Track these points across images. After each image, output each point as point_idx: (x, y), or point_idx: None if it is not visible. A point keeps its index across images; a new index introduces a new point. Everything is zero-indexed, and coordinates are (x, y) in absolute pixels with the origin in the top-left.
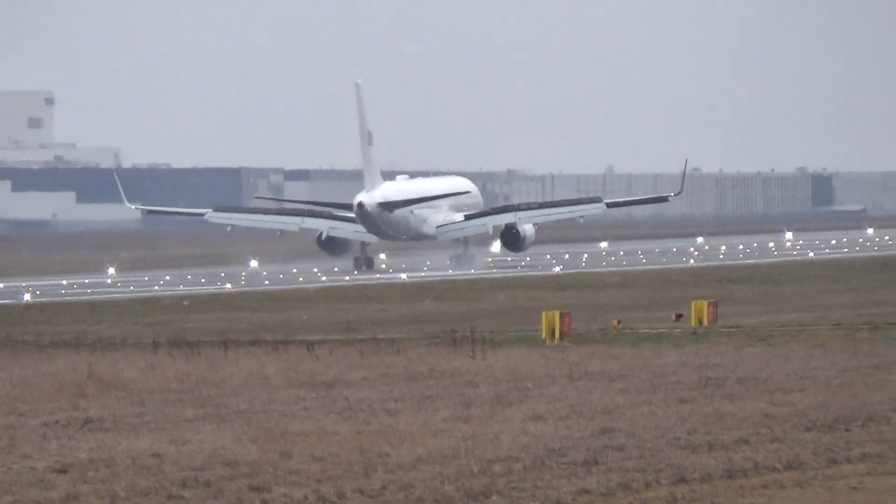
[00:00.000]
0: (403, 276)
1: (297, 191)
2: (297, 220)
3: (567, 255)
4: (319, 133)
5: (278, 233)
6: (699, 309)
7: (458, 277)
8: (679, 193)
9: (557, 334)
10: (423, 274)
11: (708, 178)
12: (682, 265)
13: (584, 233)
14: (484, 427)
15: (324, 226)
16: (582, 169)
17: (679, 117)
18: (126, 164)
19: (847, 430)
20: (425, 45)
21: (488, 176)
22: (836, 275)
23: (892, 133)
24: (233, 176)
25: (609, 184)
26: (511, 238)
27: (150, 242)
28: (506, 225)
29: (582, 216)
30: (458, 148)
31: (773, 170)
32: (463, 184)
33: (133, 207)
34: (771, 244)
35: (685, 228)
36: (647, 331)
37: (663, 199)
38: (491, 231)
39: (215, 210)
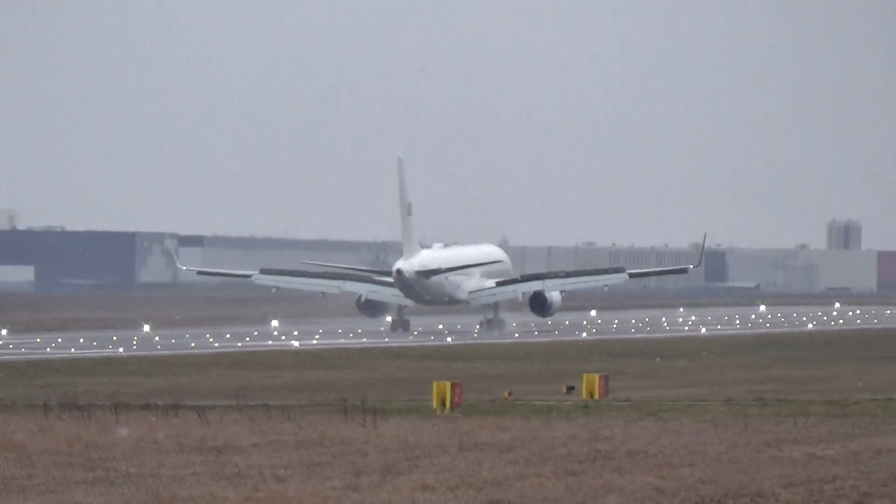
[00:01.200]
0: (295, 343)
1: (190, 256)
2: (339, 283)
3: (459, 326)
4: (214, 198)
5: (320, 294)
6: (590, 382)
7: (350, 346)
8: (698, 265)
9: (448, 405)
10: (314, 342)
11: (601, 252)
12: (573, 338)
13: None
14: (373, 496)
15: (363, 289)
16: (476, 241)
17: (573, 191)
18: (21, 227)
19: None
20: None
21: (382, 246)
22: (728, 351)
23: (786, 211)
24: (127, 240)
25: None
26: (539, 304)
27: (43, 305)
28: (534, 292)
29: (606, 285)
30: (348, 216)
31: (666, 245)
32: (495, 252)
33: (184, 269)
34: (663, 319)
35: (578, 302)
36: (538, 403)
37: (683, 271)
38: (521, 297)
39: (261, 272)
